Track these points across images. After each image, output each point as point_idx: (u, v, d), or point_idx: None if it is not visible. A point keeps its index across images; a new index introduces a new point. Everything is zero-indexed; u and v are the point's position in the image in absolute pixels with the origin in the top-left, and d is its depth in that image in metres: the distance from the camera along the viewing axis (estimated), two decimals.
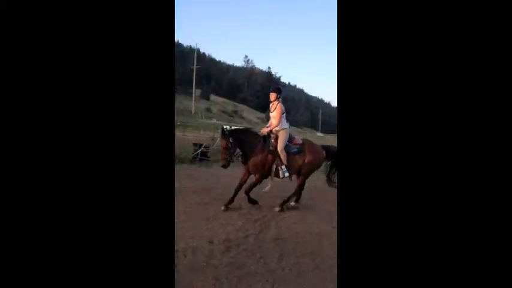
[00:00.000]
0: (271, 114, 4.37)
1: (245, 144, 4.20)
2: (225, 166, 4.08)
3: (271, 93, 4.33)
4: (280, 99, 4.35)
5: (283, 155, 4.21)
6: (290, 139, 4.35)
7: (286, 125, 4.33)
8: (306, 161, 4.36)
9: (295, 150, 4.34)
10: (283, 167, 4.22)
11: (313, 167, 4.47)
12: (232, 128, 4.30)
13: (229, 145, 4.05)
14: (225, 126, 4.23)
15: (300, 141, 4.43)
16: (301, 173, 4.45)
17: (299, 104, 71.23)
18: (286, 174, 4.25)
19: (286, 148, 4.26)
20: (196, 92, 39.37)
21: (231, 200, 4.15)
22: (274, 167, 4.22)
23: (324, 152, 4.59)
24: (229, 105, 52.39)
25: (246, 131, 4.46)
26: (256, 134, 4.43)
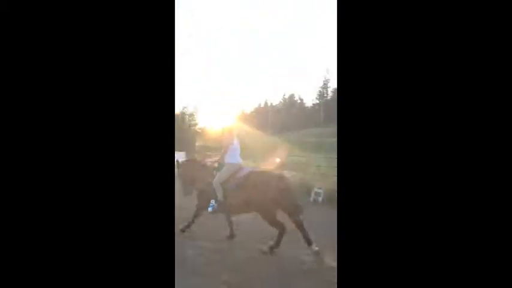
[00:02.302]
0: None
1: (189, 175, 4.12)
2: (185, 194, 4.14)
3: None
4: (234, 135, 3.89)
5: (217, 189, 3.67)
6: (235, 171, 3.70)
7: (233, 159, 3.76)
8: (250, 197, 3.50)
9: (233, 186, 3.61)
10: (212, 200, 3.73)
11: (264, 204, 3.45)
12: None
13: (179, 175, 4.09)
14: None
15: (243, 174, 3.64)
16: (260, 214, 3.57)
17: None
18: (209, 209, 3.75)
19: (226, 184, 3.66)
20: None
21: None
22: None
23: (278, 183, 3.48)
24: None
25: (189, 161, 4.46)
26: (199, 165, 4.20)
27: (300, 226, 3.41)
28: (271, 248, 3.43)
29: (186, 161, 4.44)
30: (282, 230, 3.43)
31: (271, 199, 3.42)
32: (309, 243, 3.35)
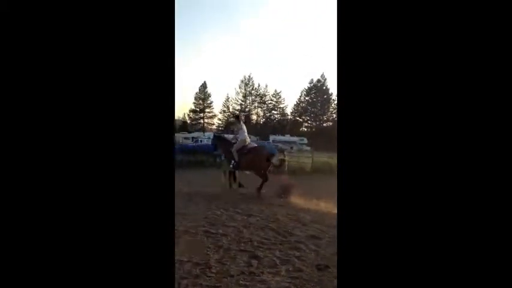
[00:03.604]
0: None
1: (222, 146, 7.34)
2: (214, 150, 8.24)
3: (235, 118, 7.85)
4: (241, 120, 7.31)
5: (234, 154, 6.77)
6: (245, 145, 6.84)
7: (242, 136, 6.89)
8: (250, 160, 6.66)
9: (245, 151, 6.77)
10: (232, 161, 6.83)
11: (256, 164, 6.63)
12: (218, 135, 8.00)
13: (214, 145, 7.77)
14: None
15: (250, 147, 6.87)
16: (254, 171, 6.70)
17: None
18: (231, 166, 6.89)
19: (241, 150, 6.76)
20: None
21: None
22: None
23: (265, 155, 6.74)
24: None
25: (221, 136, 7.98)
26: (227, 141, 7.33)
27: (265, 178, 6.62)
28: (258, 190, 6.46)
29: (219, 135, 8.12)
30: (265, 180, 6.59)
31: (262, 162, 6.60)
32: (259, 189, 6.49)
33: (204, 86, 53.21)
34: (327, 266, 2.81)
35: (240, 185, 6.89)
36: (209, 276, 2.46)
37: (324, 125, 51.51)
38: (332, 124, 50.14)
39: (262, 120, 53.27)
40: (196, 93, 53.27)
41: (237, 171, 6.90)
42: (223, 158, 7.51)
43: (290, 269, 2.73)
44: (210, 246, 3.15)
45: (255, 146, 7.21)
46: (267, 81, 79.39)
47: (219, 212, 4.65)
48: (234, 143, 6.93)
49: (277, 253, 3.11)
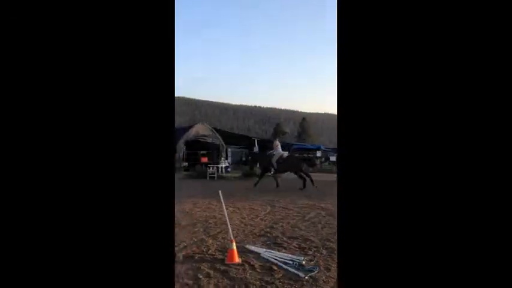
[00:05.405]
0: None
1: (261, 161, 11.81)
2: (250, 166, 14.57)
3: (273, 138, 17.95)
4: (276, 138, 13.17)
5: (274, 164, 10.11)
6: (281, 155, 10.20)
7: (277, 151, 10.35)
8: (286, 166, 10.18)
9: (281, 161, 10.07)
10: (272, 169, 10.28)
11: (288, 169, 10.37)
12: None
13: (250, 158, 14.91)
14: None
15: (284, 156, 10.30)
16: (292, 171, 10.38)
17: None
18: (272, 171, 10.36)
19: (278, 160, 10.06)
20: None
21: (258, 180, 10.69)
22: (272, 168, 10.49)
23: (296, 161, 10.58)
24: None
25: (258, 154, 14.04)
26: (265, 156, 10.88)
27: (309, 176, 10.12)
28: (301, 189, 9.48)
29: (256, 153, 15.03)
30: (305, 180, 9.81)
31: (296, 165, 10.38)
32: (313, 184, 9.79)
33: None
34: None
35: (277, 185, 10.15)
36: None
37: None
38: None
39: None
40: None
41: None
42: (260, 168, 11.95)
43: None
44: None
45: (288, 156, 10.63)
46: None
47: None
48: (273, 156, 10.21)
49: None
